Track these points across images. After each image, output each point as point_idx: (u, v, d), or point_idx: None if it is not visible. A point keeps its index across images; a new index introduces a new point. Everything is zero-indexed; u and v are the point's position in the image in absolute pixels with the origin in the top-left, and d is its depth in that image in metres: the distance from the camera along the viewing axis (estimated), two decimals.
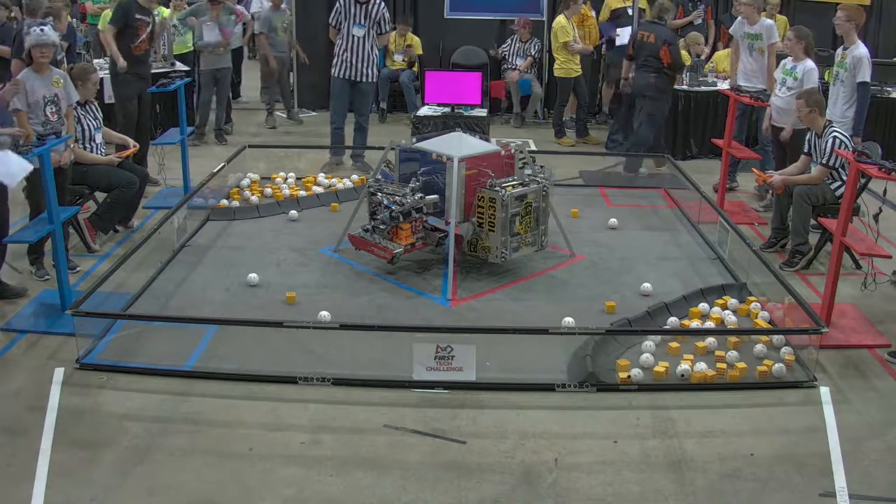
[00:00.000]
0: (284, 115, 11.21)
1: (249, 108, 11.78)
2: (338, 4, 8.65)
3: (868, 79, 7.03)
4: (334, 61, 8.79)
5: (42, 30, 5.70)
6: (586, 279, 6.28)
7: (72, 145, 6.16)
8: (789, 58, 7.64)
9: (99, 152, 6.79)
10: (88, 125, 6.69)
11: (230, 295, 5.88)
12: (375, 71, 8.81)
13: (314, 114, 11.52)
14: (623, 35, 10.26)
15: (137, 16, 7.90)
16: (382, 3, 8.64)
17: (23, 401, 4.52)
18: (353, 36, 8.57)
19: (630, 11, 10.36)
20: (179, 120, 7.99)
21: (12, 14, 9.28)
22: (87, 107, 6.75)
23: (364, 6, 8.53)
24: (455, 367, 4.73)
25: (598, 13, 10.82)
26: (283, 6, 10.80)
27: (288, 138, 10.35)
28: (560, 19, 10.07)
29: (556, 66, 10.22)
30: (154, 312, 5.59)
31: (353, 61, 8.63)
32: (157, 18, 8.52)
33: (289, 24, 10.92)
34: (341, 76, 8.72)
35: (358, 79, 8.70)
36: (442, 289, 5.97)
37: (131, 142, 7.04)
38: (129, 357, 5.01)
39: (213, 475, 3.96)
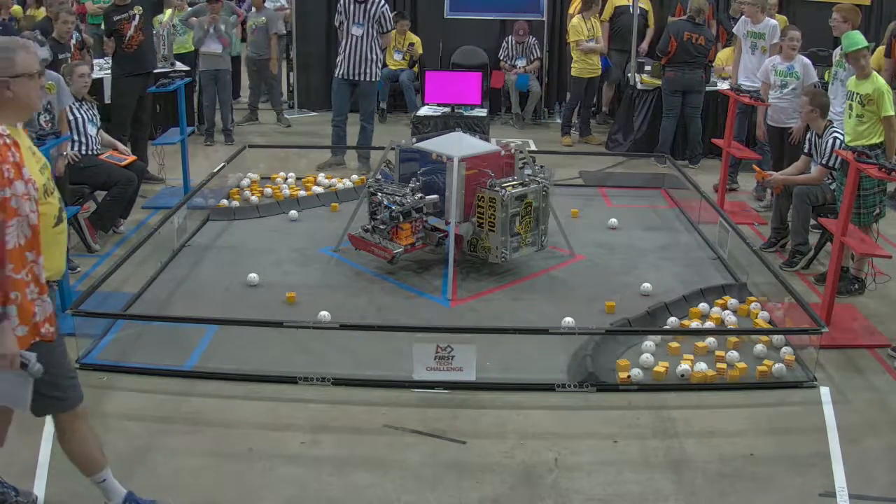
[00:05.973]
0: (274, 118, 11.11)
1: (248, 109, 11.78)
2: (339, 5, 8.67)
3: None
4: (337, 60, 8.82)
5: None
6: (586, 279, 6.28)
7: (66, 151, 6.21)
8: (775, 58, 7.66)
9: (94, 145, 6.81)
10: (81, 116, 6.71)
11: (230, 295, 5.88)
12: (376, 70, 8.78)
13: (314, 114, 11.52)
14: None
15: (115, 17, 7.99)
16: (382, 2, 8.61)
17: None
18: (353, 35, 8.57)
19: (631, 10, 10.36)
20: (179, 120, 7.99)
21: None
22: (82, 103, 6.78)
23: (363, 5, 8.52)
24: (455, 367, 4.73)
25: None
26: (266, 6, 10.73)
27: (288, 138, 10.35)
28: (574, 19, 10.07)
29: (572, 65, 10.23)
30: (154, 312, 5.59)
31: (352, 61, 8.62)
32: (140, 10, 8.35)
33: (261, 25, 10.70)
34: (341, 76, 8.73)
35: (357, 78, 8.70)
36: (442, 289, 5.97)
37: (131, 156, 7.10)
38: (129, 357, 5.01)
39: (213, 475, 3.96)
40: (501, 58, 11.16)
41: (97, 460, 3.49)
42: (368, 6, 8.54)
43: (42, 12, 9.80)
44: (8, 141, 3.04)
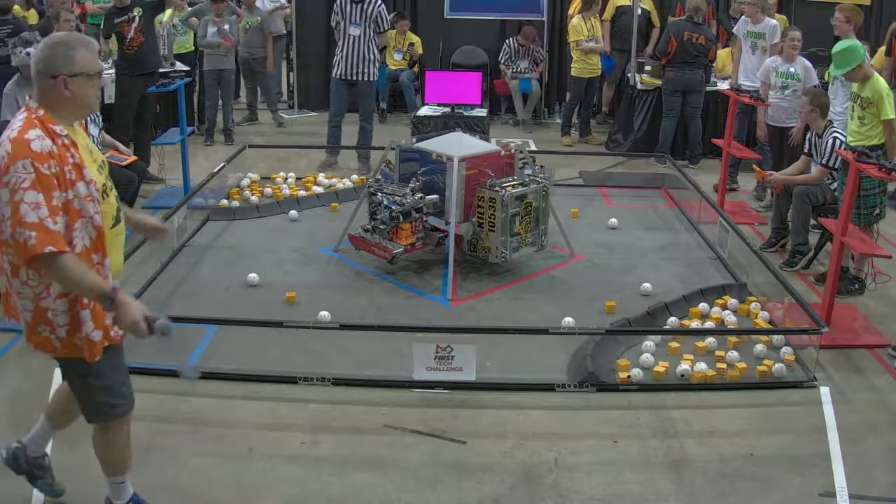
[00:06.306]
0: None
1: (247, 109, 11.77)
2: (335, 5, 8.66)
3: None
4: (334, 61, 8.82)
5: (28, 53, 5.76)
6: (586, 279, 6.28)
7: None
8: (776, 59, 7.69)
9: (96, 145, 6.81)
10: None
11: (230, 295, 5.88)
12: (374, 70, 8.78)
13: (314, 114, 11.52)
14: None
15: (116, 20, 8.02)
16: (379, 1, 8.61)
17: (22, 401, 4.51)
18: (350, 35, 8.57)
19: (632, 10, 10.36)
20: (179, 120, 7.99)
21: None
22: None
23: (359, 5, 8.52)
24: (455, 367, 4.73)
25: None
26: (258, 5, 10.71)
27: (288, 138, 10.35)
28: (574, 19, 10.08)
29: (572, 65, 10.24)
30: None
31: (351, 61, 8.62)
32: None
33: (255, 24, 10.60)
34: (339, 76, 8.73)
35: (356, 78, 8.69)
36: (442, 289, 5.97)
37: (131, 156, 7.12)
38: (129, 357, 4.97)
39: (213, 475, 3.96)
40: (502, 61, 11.06)
41: (125, 464, 3.45)
42: (365, 6, 8.53)
43: (33, 14, 9.80)
44: (66, 142, 2.97)
